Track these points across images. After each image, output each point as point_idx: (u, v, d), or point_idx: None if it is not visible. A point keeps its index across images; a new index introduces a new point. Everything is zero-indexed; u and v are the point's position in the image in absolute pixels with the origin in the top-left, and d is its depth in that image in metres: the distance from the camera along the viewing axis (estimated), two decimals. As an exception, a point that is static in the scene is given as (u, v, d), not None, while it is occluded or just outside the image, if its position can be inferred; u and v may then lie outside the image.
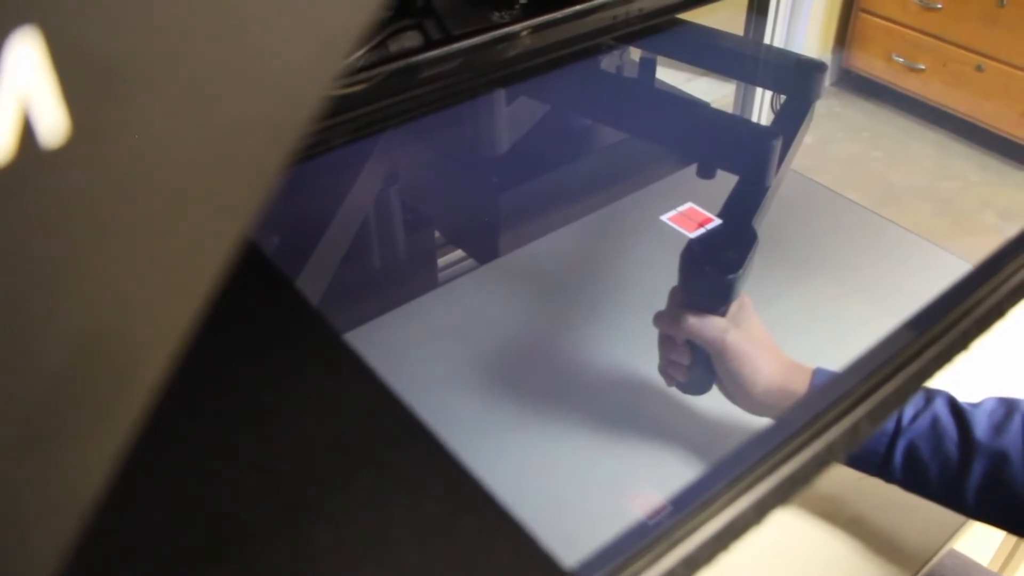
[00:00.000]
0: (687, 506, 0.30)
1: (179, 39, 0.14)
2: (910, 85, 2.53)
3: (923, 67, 2.47)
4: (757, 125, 1.09)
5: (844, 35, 2.67)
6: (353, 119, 0.69)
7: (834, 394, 0.34)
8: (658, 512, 0.28)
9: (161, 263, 0.16)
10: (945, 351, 0.37)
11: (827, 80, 2.74)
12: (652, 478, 0.73)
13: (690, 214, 0.74)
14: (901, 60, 2.51)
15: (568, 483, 0.72)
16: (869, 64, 2.62)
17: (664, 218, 0.72)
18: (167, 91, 0.14)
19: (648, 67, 0.85)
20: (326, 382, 0.37)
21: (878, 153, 2.46)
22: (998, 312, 0.40)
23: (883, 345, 0.37)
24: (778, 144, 0.83)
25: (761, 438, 0.32)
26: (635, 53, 1.03)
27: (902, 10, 2.47)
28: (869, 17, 2.57)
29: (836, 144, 2.49)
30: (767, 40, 1.23)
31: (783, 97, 0.99)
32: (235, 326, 0.40)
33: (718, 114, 0.90)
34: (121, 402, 0.17)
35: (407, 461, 0.33)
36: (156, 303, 0.16)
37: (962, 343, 0.38)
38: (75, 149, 0.13)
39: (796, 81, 0.95)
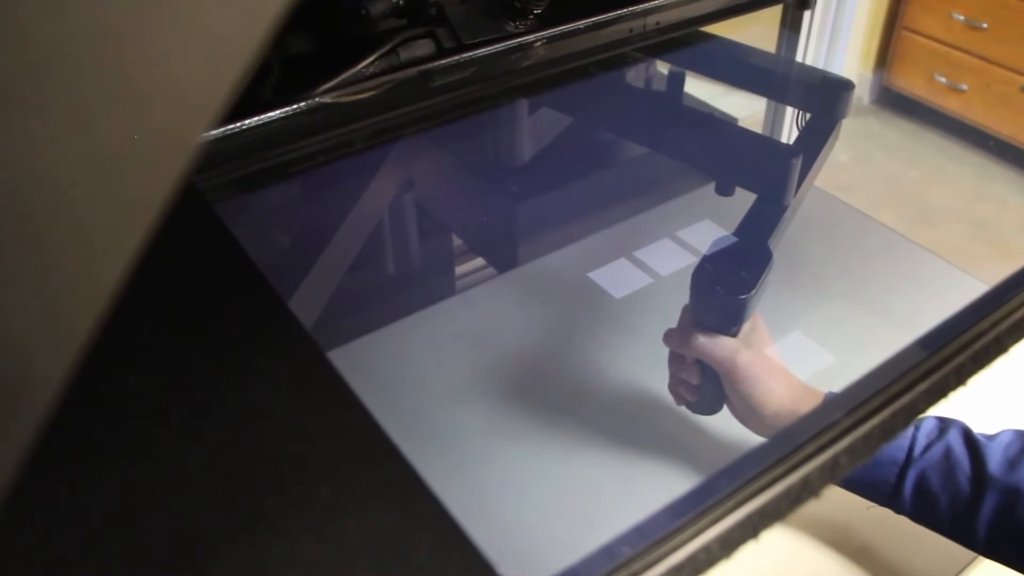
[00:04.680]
0: (649, 536, 0.29)
1: (61, 58, 0.13)
2: (951, 105, 2.48)
3: (965, 87, 2.42)
4: (778, 143, 1.08)
5: (885, 53, 2.63)
6: (366, 127, 0.69)
7: (815, 426, 0.33)
8: None
9: (55, 275, 0.15)
10: (938, 386, 0.36)
11: (866, 98, 2.71)
12: (649, 497, 0.72)
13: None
14: (943, 80, 2.46)
15: (564, 498, 0.71)
16: (910, 83, 2.58)
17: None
18: (49, 109, 0.14)
19: (668, 80, 0.84)
20: (299, 394, 0.37)
21: (915, 173, 2.42)
22: (999, 348, 0.38)
23: (872, 377, 0.36)
24: (798, 163, 0.82)
25: (733, 468, 0.31)
26: (655, 66, 1.02)
27: (945, 29, 2.43)
28: (911, 35, 2.53)
29: (873, 163, 2.46)
30: (804, 56, 1.21)
31: (809, 115, 0.97)
32: (214, 334, 0.40)
33: (738, 130, 0.89)
34: (17, 410, 0.16)
35: (369, 477, 0.33)
36: (51, 315, 0.16)
37: (957, 379, 0.37)
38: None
39: (821, 99, 0.94)
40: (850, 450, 0.32)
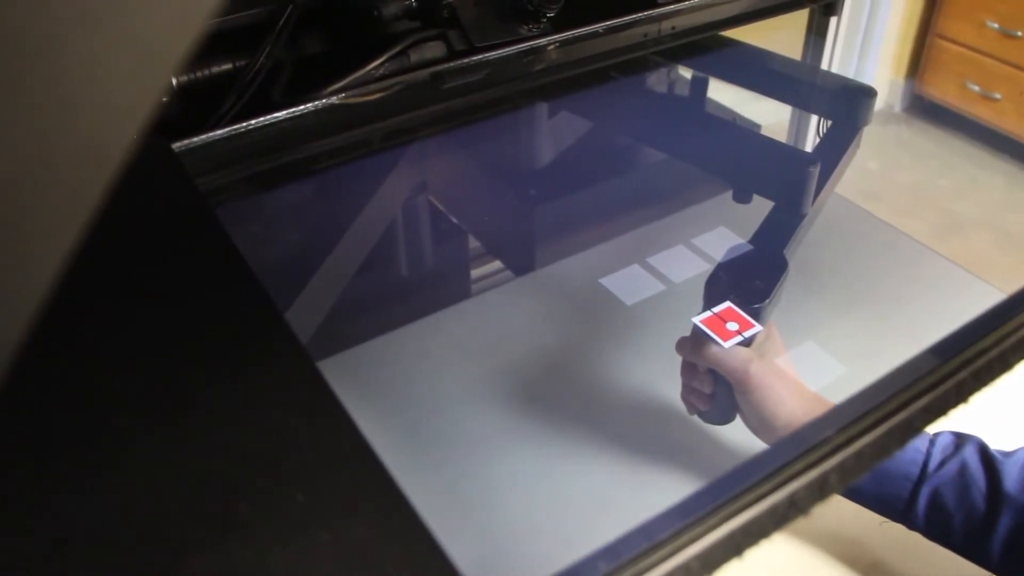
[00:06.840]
0: (627, 553, 0.28)
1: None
2: (983, 114, 2.44)
3: (999, 96, 2.38)
4: (796, 150, 1.06)
5: (917, 60, 2.59)
6: (374, 129, 0.69)
7: (805, 442, 0.32)
8: None
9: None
10: (936, 403, 0.35)
11: (897, 106, 2.67)
12: (655, 508, 0.71)
13: (726, 316, 0.70)
14: (976, 88, 2.43)
15: (565, 509, 0.71)
16: (942, 91, 2.54)
17: (696, 320, 0.70)
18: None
19: (684, 86, 0.83)
20: (282, 399, 0.37)
21: (945, 182, 2.38)
22: (1003, 365, 0.37)
23: (868, 392, 0.35)
24: (815, 171, 0.81)
25: (716, 484, 0.30)
26: (671, 71, 1.01)
27: (979, 37, 2.39)
28: (944, 43, 2.49)
29: (903, 171, 2.42)
30: (831, 62, 1.20)
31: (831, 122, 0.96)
32: (201, 339, 0.40)
33: (756, 137, 0.88)
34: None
35: (346, 485, 0.32)
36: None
37: (957, 396, 0.36)
38: None
39: (842, 106, 0.92)
40: (840, 468, 0.32)
